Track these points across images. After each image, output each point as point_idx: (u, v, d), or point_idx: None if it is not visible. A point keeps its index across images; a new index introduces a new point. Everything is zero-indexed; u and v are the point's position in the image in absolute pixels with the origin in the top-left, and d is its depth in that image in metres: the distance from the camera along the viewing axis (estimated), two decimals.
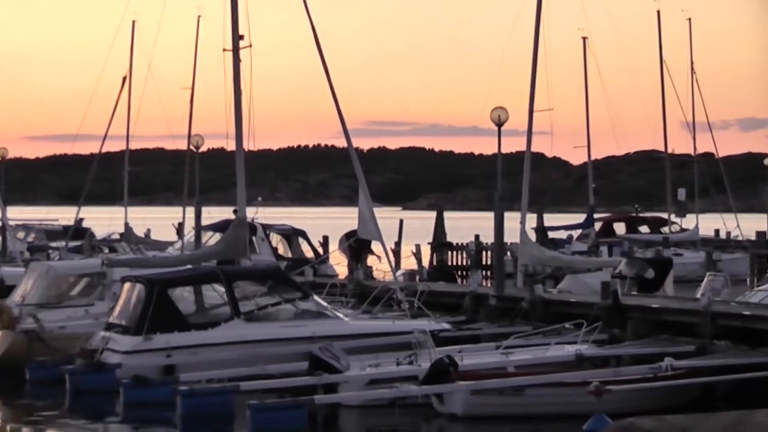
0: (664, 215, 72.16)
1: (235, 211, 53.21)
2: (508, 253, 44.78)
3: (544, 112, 47.71)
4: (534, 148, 47.97)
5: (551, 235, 63.40)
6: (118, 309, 31.07)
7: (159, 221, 70.99)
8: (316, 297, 32.96)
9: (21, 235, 63.97)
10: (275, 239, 53.61)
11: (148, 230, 69.94)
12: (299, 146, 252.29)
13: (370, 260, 48.69)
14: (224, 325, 30.44)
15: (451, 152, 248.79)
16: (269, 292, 32.36)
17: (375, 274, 45.84)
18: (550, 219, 67.00)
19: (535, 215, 57.56)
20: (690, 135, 72.94)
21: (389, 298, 34.78)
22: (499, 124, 42.66)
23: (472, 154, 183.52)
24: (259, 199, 48.52)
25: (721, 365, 27.80)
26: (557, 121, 61.61)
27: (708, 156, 74.43)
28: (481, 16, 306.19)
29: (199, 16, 64.69)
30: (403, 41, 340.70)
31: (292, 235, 55.43)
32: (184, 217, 63.34)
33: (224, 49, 36.31)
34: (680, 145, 74.08)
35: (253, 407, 24.95)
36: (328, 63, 37.56)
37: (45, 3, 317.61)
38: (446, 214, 58.98)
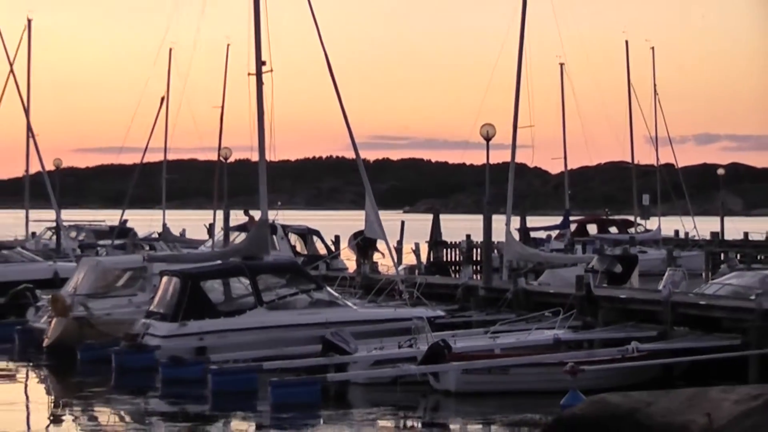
0: (631, 218, 72.23)
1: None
2: (495, 251, 44.73)
3: (527, 128, 47.95)
4: (517, 160, 47.95)
5: (532, 234, 63.33)
6: (156, 299, 31.13)
7: (192, 222, 70.93)
8: (328, 288, 32.94)
9: (73, 234, 63.95)
10: (293, 238, 53.53)
11: (183, 230, 69.89)
12: (313, 157, 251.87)
13: (376, 256, 48.63)
14: (249, 313, 30.47)
15: (446, 163, 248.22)
16: (288, 284, 32.36)
17: (380, 268, 45.76)
18: (532, 221, 66.97)
19: (518, 217, 57.52)
20: (653, 148, 73.12)
21: (392, 290, 34.77)
22: (488, 138, 42.78)
23: (464, 164, 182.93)
24: (279, 203, 48.59)
25: (679, 348, 27.82)
26: (537, 135, 61.36)
27: (669, 166, 74.35)
28: (472, 43, 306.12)
29: (228, 45, 64.90)
30: (404, 66, 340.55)
31: (307, 234, 55.40)
32: (214, 219, 63.30)
33: (249, 74, 36.28)
34: (644, 156, 74.28)
35: (274, 384, 25.03)
36: (338, 85, 37.75)
37: (96, 34, 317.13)
38: (441, 217, 58.97)
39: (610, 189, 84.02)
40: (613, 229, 71.10)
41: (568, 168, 72.77)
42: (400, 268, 45.73)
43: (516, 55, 45.93)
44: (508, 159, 47.39)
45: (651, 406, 18.72)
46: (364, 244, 46.93)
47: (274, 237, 43.84)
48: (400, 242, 56.52)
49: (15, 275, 41.71)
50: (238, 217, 55.10)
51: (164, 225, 66.71)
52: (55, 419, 25.75)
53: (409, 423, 23.92)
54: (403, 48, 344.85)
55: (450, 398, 25.57)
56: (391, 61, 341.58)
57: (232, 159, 65.47)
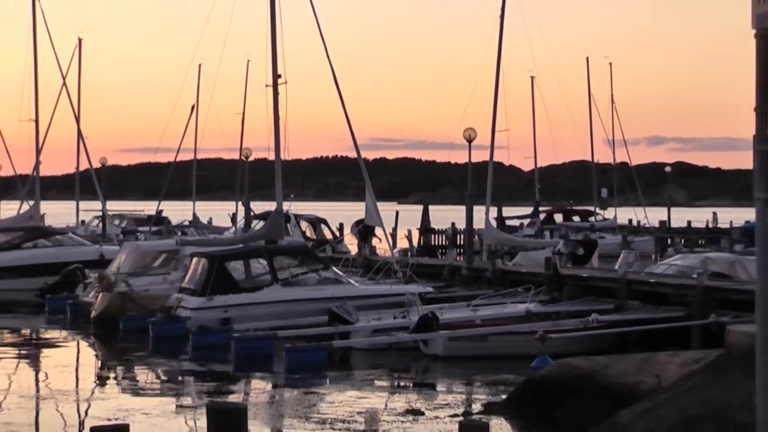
0: (591, 208, 72.19)
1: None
2: (476, 236, 44.69)
3: (503, 131, 48.37)
4: (495, 159, 48.13)
5: (508, 222, 63.21)
6: (187, 277, 31.16)
7: (218, 212, 70.90)
8: (334, 268, 33.01)
9: (116, 222, 64.02)
10: (304, 225, 53.55)
11: (210, 219, 69.79)
12: (322, 156, 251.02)
13: (374, 241, 48.68)
14: (266, 289, 30.50)
15: (434, 161, 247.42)
16: (299, 264, 32.38)
17: (378, 251, 45.83)
18: (507, 211, 66.83)
19: (495, 208, 57.37)
20: (610, 149, 73.09)
21: (388, 269, 34.77)
22: (470, 140, 42.88)
23: (449, 162, 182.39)
24: (292, 196, 48.42)
25: (633, 319, 27.90)
26: (512, 138, 61.68)
27: (623, 164, 74.36)
28: (457, 59, 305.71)
29: (248, 60, 64.73)
30: (399, 78, 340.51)
31: (316, 222, 55.44)
32: (236, 209, 63.35)
33: (267, 85, 36.27)
34: (603, 156, 73.95)
35: (287, 349, 25.05)
36: (342, 94, 37.73)
37: (136, 50, 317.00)
38: (430, 207, 58.93)
39: (573, 184, 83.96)
40: (576, 218, 71.04)
41: (538, 166, 72.86)
42: (395, 251, 45.62)
43: (494, 69, 46.17)
44: (487, 158, 47.53)
45: (608, 368, 18.74)
46: (365, 231, 46.94)
47: (288, 225, 43.78)
48: (395, 229, 56.33)
49: (67, 257, 41.73)
50: (256, 207, 55.15)
51: (194, 214, 66.66)
52: (101, 379, 25.75)
53: (402, 383, 23.92)
54: (398, 62, 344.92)
55: (437, 362, 25.62)
56: (388, 74, 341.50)
57: (252, 158, 65.56)
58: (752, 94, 8.07)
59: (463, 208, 42.82)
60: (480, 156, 49.69)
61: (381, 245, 47.17)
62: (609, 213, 71.10)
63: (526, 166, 74.35)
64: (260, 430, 18.03)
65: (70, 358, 28.94)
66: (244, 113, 66.71)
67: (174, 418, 19.94)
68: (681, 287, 29.36)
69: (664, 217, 69.51)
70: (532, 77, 68.45)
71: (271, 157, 37.02)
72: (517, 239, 49.46)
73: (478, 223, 44.45)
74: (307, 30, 38.69)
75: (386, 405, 21.12)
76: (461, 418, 18.66)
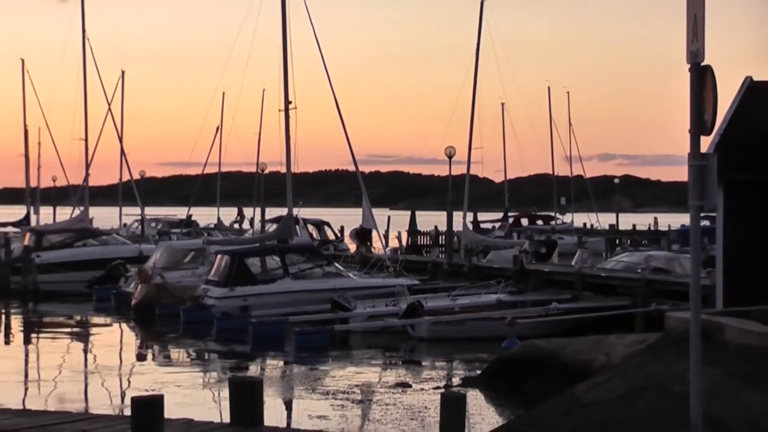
0: (552, 214, 72.15)
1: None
2: (455, 237, 44.68)
3: (478, 149, 48.27)
4: (471, 172, 48.09)
5: (482, 226, 63.25)
6: (212, 271, 31.09)
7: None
8: (336, 263, 33.00)
9: (153, 224, 63.86)
10: (310, 227, 53.50)
11: (232, 222, 69.83)
12: (325, 170, 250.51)
13: (374, 242, 48.72)
14: (279, 282, 30.43)
15: (420, 174, 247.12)
16: (306, 260, 32.33)
17: (373, 250, 45.82)
18: (481, 216, 66.89)
19: (471, 214, 57.40)
20: (568, 164, 73.24)
21: (381, 265, 34.82)
22: (450, 157, 43.04)
23: (433, 175, 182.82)
24: (300, 203, 48.46)
25: (587, 307, 27.86)
26: (486, 154, 61.78)
27: (579, 177, 74.13)
28: (439, 87, 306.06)
29: (264, 89, 64.85)
30: (390, 104, 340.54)
31: (320, 225, 55.31)
32: (254, 214, 63.31)
33: (279, 110, 36.23)
34: (562, 169, 73.97)
35: (296, 332, 25.14)
36: (343, 117, 37.78)
37: (171, 79, 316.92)
38: (417, 213, 58.72)
39: (537, 193, 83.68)
40: (539, 222, 70.97)
41: (507, 178, 72.94)
42: (387, 249, 45.72)
43: (471, 97, 46.23)
44: (465, 171, 47.52)
45: (566, 348, 18.76)
46: (362, 232, 46.97)
47: (297, 227, 43.73)
48: (387, 231, 56.40)
49: (111, 254, 41.68)
50: (270, 212, 55.04)
51: (218, 218, 66.67)
52: (140, 356, 25.77)
53: (393, 360, 23.90)
54: (390, 90, 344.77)
55: (422, 343, 25.64)
56: (381, 100, 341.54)
57: (266, 171, 65.42)
58: (687, 118, 8.10)
59: (445, 213, 42.92)
60: (459, 169, 49.76)
61: (375, 245, 47.22)
62: (567, 218, 71.07)
63: (497, 178, 74.40)
64: (274, 400, 18.01)
65: (114, 339, 28.91)
66: (260, 133, 66.90)
67: (201, 389, 19.93)
68: (627, 280, 29.39)
69: (613, 221, 69.44)
70: (503, 103, 68.53)
71: (283, 170, 37.01)
72: (490, 240, 49.36)
73: (457, 226, 44.45)
74: (313, 64, 38.69)
75: (379, 379, 21.12)
76: (443, 390, 18.66)
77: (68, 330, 30.14)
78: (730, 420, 10.03)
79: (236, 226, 64.21)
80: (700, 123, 8.05)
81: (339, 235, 56.06)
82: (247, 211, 67.63)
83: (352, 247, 49.28)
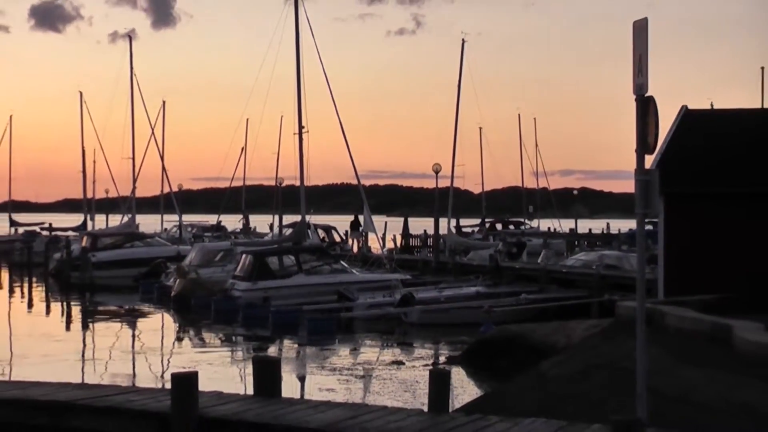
0: (522, 220, 72.06)
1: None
2: (441, 240, 44.67)
3: (460, 166, 48.34)
4: (455, 185, 48.32)
5: (463, 230, 63.14)
6: (239, 268, 30.88)
7: (261, 222, 70.70)
8: (341, 261, 32.94)
9: (189, 229, 63.66)
10: (320, 231, 53.44)
11: (255, 227, 69.62)
12: (333, 183, 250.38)
13: (370, 242, 48.68)
14: (294, 277, 30.32)
15: (412, 186, 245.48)
16: (317, 259, 32.12)
17: (372, 250, 45.77)
18: (463, 222, 66.83)
19: (455, 220, 57.32)
20: (535, 178, 73.23)
21: (379, 263, 34.80)
22: (437, 172, 43.20)
23: (422, 187, 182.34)
24: (311, 210, 48.41)
25: (551, 297, 27.85)
26: (466, 170, 61.67)
27: (544, 189, 74.07)
28: (428, 114, 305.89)
29: (281, 116, 64.72)
30: (387, 126, 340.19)
31: (328, 229, 55.19)
32: (273, 220, 63.21)
33: (294, 133, 36.28)
34: (530, 183, 73.82)
35: (309, 318, 25.11)
36: (348, 138, 37.77)
37: (205, 108, 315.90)
38: (409, 219, 58.62)
39: (509, 203, 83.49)
40: (511, 227, 70.84)
41: (485, 190, 72.88)
42: (384, 249, 45.66)
43: (453, 122, 46.38)
44: (449, 184, 47.58)
45: (534, 332, 18.75)
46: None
47: (309, 231, 43.74)
48: (384, 234, 56.26)
49: (154, 254, 41.64)
50: (287, 219, 54.96)
51: (244, 224, 66.57)
52: (179, 339, 25.75)
53: (389, 342, 23.89)
54: (386, 115, 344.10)
55: (414, 327, 25.61)
56: (379, 124, 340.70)
57: (284, 184, 65.42)
58: (634, 140, 8.13)
59: (432, 219, 42.98)
60: (444, 183, 49.71)
61: (374, 246, 47.16)
62: (534, 223, 70.99)
63: (476, 190, 74.23)
64: (290, 376, 17.99)
65: (156, 325, 28.88)
66: (278, 153, 66.53)
67: (229, 366, 19.91)
68: (584, 275, 29.41)
69: (573, 226, 69.33)
70: (480, 128, 68.29)
71: (298, 183, 37.05)
72: (470, 241, 49.43)
73: (443, 231, 44.46)
74: (322, 95, 38.68)
75: (378, 358, 21.11)
76: (431, 367, 18.66)
77: (118, 317, 30.10)
78: (666, 390, 10.05)
79: (270, 233, 63.83)
80: (644, 144, 8.07)
81: (344, 238, 55.94)
82: (267, 218, 67.53)
83: (355, 248, 49.21)
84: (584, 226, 73.09)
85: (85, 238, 44.64)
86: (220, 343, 24.38)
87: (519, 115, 73.10)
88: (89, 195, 63.94)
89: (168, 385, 9.59)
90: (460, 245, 45.50)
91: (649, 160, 8.67)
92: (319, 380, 17.91)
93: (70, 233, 56.04)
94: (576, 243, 56.57)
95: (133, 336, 26.12)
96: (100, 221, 63.32)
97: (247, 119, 63.35)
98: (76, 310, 33.03)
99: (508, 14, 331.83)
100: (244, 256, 31.16)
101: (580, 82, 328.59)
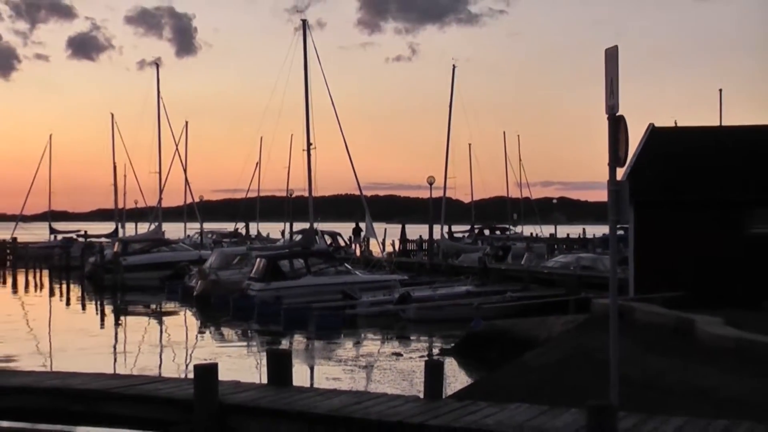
0: (507, 226, 72.03)
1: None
2: (435, 244, 44.67)
3: (452, 178, 48.44)
4: (447, 195, 48.25)
5: (455, 235, 63.15)
6: (254, 270, 30.81)
7: (273, 229, 70.69)
8: (346, 264, 32.87)
9: (209, 235, 63.57)
10: (327, 237, 53.37)
11: (268, 233, 69.59)
12: (338, 194, 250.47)
13: (371, 247, 48.64)
14: (303, 278, 30.18)
15: (408, 197, 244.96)
16: (324, 262, 32.06)
17: (373, 253, 45.73)
18: (455, 228, 66.74)
19: (447, 226, 57.30)
20: (519, 188, 73.29)
21: (380, 265, 34.74)
22: (431, 184, 43.24)
23: (418, 198, 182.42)
24: (319, 219, 48.39)
25: (533, 295, 27.80)
26: (458, 182, 61.66)
27: (527, 198, 74.20)
28: (424, 131, 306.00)
29: (291, 134, 64.82)
30: (386, 142, 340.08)
31: (334, 235, 55.12)
32: (284, 227, 63.16)
33: (303, 150, 36.40)
34: (515, 193, 73.89)
35: (317, 315, 25.08)
36: (351, 153, 38.00)
37: (223, 129, 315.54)
38: (407, 226, 58.59)
39: (495, 211, 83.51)
40: (498, 232, 70.85)
41: (474, 199, 73.00)
42: (384, 253, 45.65)
43: (446, 138, 46.37)
44: (442, 195, 47.63)
45: (518, 326, 18.73)
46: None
47: (317, 237, 43.75)
48: (384, 239, 56.19)
49: (178, 258, 41.60)
50: (298, 227, 54.91)
51: (258, 231, 66.52)
52: (201, 333, 25.68)
53: (388, 336, 23.85)
54: (386, 133, 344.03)
55: (411, 323, 25.51)
56: (380, 140, 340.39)
57: (294, 195, 65.45)
58: (606, 154, 8.15)
59: (427, 226, 43.00)
60: (437, 193, 49.80)
61: (375, 250, 47.18)
62: (518, 229, 71.00)
63: (466, 199, 74.20)
64: (300, 367, 17.96)
65: (181, 322, 28.82)
66: (289, 167, 66.58)
67: (246, 358, 19.88)
68: (563, 275, 29.45)
69: (552, 231, 69.33)
70: (470, 144, 68.37)
71: (306, 194, 37.10)
72: (461, 246, 49.35)
73: (436, 236, 44.44)
74: (328, 115, 39.05)
75: (379, 350, 21.08)
76: (426, 358, 18.63)
77: (146, 315, 30.09)
78: (635, 377, 10.06)
79: (282, 239, 63.72)
80: (616, 158, 8.09)
81: (348, 242, 55.88)
82: (279, 226, 67.54)
83: (358, 252, 49.19)
84: (563, 231, 73.00)
85: (116, 244, 44.60)
86: (237, 338, 24.33)
87: (504, 132, 73.53)
88: (120, 205, 64.13)
89: (191, 375, 9.59)
90: (452, 249, 45.50)
91: (620, 173, 8.70)
92: (327, 370, 17.88)
93: (103, 240, 55.97)
94: (555, 247, 56.52)
95: (160, 331, 26.07)
96: (129, 229, 63.41)
97: (261, 137, 63.71)
98: (108, 309, 32.98)
99: (494, 42, 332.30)
100: (258, 259, 31.12)
101: (558, 103, 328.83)
